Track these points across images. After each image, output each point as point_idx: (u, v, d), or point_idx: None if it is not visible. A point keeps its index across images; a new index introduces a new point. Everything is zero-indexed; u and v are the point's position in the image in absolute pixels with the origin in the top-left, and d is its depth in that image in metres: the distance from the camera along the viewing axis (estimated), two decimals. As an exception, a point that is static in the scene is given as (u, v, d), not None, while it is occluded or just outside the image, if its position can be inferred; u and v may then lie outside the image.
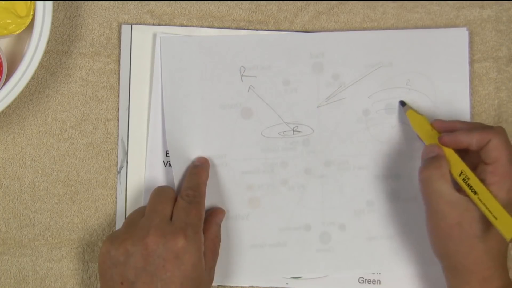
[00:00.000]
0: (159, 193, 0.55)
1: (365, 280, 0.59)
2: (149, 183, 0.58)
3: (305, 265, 0.59)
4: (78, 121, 0.59)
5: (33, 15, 0.54)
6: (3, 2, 0.54)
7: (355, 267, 0.59)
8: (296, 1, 0.60)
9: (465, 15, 0.61)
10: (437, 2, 0.61)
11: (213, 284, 0.56)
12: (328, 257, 0.59)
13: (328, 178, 0.59)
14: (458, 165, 0.52)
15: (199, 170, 0.57)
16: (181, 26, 0.59)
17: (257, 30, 0.60)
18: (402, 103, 0.59)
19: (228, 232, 0.59)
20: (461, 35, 0.60)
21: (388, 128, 0.59)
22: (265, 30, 0.60)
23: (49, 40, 0.55)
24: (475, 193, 0.50)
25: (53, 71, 0.59)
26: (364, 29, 0.60)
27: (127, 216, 0.58)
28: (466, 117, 0.60)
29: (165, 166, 0.59)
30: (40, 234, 0.59)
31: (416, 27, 0.60)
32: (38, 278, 0.58)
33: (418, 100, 0.59)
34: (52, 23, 0.54)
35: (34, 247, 0.59)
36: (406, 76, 0.59)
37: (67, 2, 0.59)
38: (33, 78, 0.57)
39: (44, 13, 0.54)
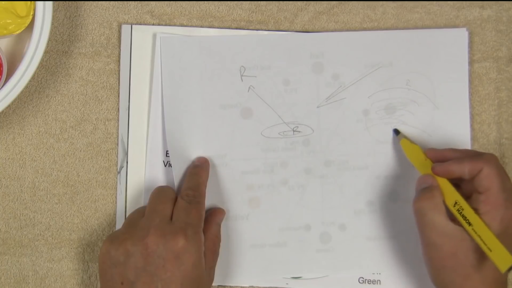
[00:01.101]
0: (159, 193, 0.55)
1: (365, 280, 0.59)
2: (149, 183, 0.58)
3: (305, 265, 0.59)
4: (78, 121, 0.59)
5: (33, 15, 0.54)
6: (3, 2, 0.54)
7: (355, 267, 0.59)
8: (296, 1, 0.60)
9: (465, 15, 0.61)
10: (437, 2, 0.61)
11: (213, 284, 0.56)
12: (328, 257, 0.59)
13: (328, 178, 0.59)
14: (452, 195, 0.52)
15: (199, 170, 0.57)
16: (181, 26, 0.59)
17: (257, 30, 0.60)
18: (396, 132, 0.58)
19: (228, 232, 0.59)
20: (461, 35, 0.60)
21: (388, 128, 0.59)
22: (265, 30, 0.60)
23: (49, 40, 0.55)
24: (469, 224, 0.50)
25: (53, 71, 0.59)
26: (364, 29, 0.60)
27: (127, 216, 0.58)
28: (466, 117, 0.60)
29: (165, 166, 0.59)
30: (40, 234, 0.59)
31: (416, 27, 0.60)
32: (38, 278, 0.58)
33: (418, 100, 0.59)
34: (52, 23, 0.54)
35: (34, 247, 0.59)
36: (406, 76, 0.59)
37: (67, 2, 0.59)
38: (33, 78, 0.57)
39: (44, 13, 0.54)
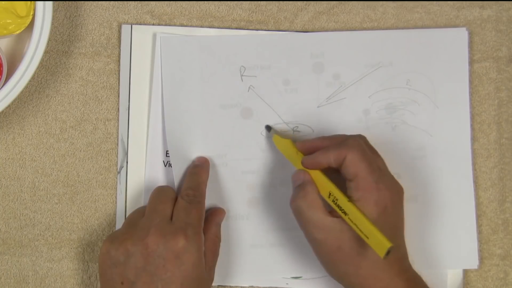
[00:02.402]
0: (159, 193, 0.55)
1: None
2: (149, 183, 0.58)
3: (305, 265, 0.59)
4: (78, 121, 0.59)
5: (33, 15, 0.54)
6: (3, 2, 0.54)
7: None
8: (296, 1, 0.60)
9: (465, 15, 0.61)
10: (437, 2, 0.61)
11: (213, 284, 0.56)
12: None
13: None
14: (326, 186, 0.51)
15: (199, 170, 0.57)
16: (181, 26, 0.59)
17: (257, 30, 0.60)
18: (268, 128, 0.58)
19: (228, 232, 0.59)
20: (461, 35, 0.60)
21: (388, 128, 0.59)
22: (265, 30, 0.60)
23: (49, 40, 0.55)
24: (345, 213, 0.49)
25: (53, 71, 0.59)
26: (364, 29, 0.60)
27: (127, 216, 0.58)
28: (466, 116, 0.60)
29: (165, 166, 0.59)
30: (40, 234, 0.59)
31: (416, 27, 0.60)
32: (38, 278, 0.58)
33: (418, 100, 0.59)
34: (52, 23, 0.54)
35: (34, 247, 0.59)
36: (406, 76, 0.59)
37: (67, 2, 0.59)
38: (33, 78, 0.57)
39: (44, 13, 0.54)
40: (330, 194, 0.51)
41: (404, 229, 0.53)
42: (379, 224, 0.48)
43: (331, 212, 0.51)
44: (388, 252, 0.47)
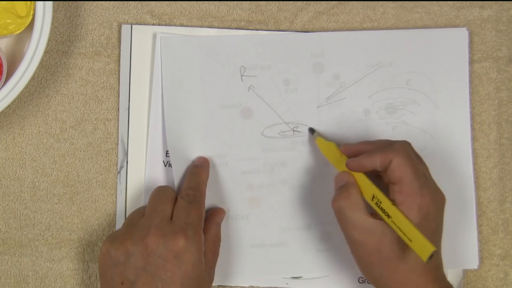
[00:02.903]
0: (159, 193, 0.55)
1: (365, 280, 0.59)
2: (149, 183, 0.58)
3: (305, 265, 0.59)
4: (78, 121, 0.59)
5: (33, 15, 0.54)
6: (3, 2, 0.54)
7: (355, 267, 0.59)
8: (296, 1, 0.60)
9: (465, 15, 0.61)
10: (437, 2, 0.61)
11: (213, 284, 0.56)
12: (328, 257, 0.59)
13: (328, 178, 0.59)
14: (369, 189, 0.51)
15: (199, 170, 0.57)
16: (181, 26, 0.59)
17: (257, 30, 0.60)
18: (311, 131, 0.58)
19: (228, 232, 0.59)
20: (461, 35, 0.60)
21: (388, 128, 0.59)
22: (265, 30, 0.60)
23: (49, 40, 0.55)
24: (388, 216, 0.49)
25: (53, 71, 0.59)
26: (364, 29, 0.60)
27: (127, 216, 0.58)
28: (466, 116, 0.60)
29: (165, 166, 0.59)
30: (40, 234, 0.59)
31: (416, 27, 0.60)
32: (38, 278, 0.58)
33: (418, 100, 0.59)
34: (52, 23, 0.54)
35: (34, 247, 0.59)
36: (406, 76, 0.59)
37: (67, 2, 0.59)
38: (33, 78, 0.57)
39: (44, 13, 0.53)
40: (373, 196, 0.51)
41: (442, 237, 0.53)
42: (420, 229, 0.48)
43: (373, 214, 0.51)
44: (431, 256, 0.47)
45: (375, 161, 0.51)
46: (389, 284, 0.51)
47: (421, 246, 0.47)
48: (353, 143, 0.55)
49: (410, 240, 0.48)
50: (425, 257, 0.47)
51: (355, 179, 0.52)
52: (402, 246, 0.49)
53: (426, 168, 0.53)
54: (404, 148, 0.51)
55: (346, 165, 0.53)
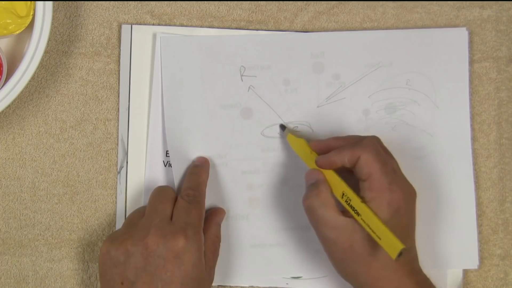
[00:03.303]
0: (159, 193, 0.55)
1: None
2: (149, 183, 0.58)
3: (305, 265, 0.59)
4: (78, 121, 0.59)
5: (33, 15, 0.54)
6: (3, 2, 0.54)
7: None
8: (296, 1, 0.60)
9: (465, 15, 0.61)
10: (437, 2, 0.61)
11: (213, 284, 0.56)
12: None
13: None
14: (339, 186, 0.51)
15: (199, 170, 0.57)
16: (181, 26, 0.59)
17: (257, 30, 0.60)
18: (282, 127, 0.58)
19: (228, 232, 0.59)
20: (461, 35, 0.60)
21: (388, 128, 0.59)
22: (265, 30, 0.60)
23: (49, 40, 0.55)
24: (358, 214, 0.49)
25: (53, 71, 0.59)
26: (364, 29, 0.60)
27: (127, 216, 0.58)
28: (466, 116, 0.60)
29: (165, 166, 0.59)
30: (40, 234, 0.59)
31: (416, 27, 0.60)
32: (38, 278, 0.58)
33: (418, 100, 0.59)
34: (52, 23, 0.54)
35: (34, 247, 0.59)
36: (406, 76, 0.59)
37: (67, 2, 0.59)
38: (33, 78, 0.57)
39: (44, 13, 0.54)
40: (343, 194, 0.51)
41: (415, 231, 0.53)
42: (391, 225, 0.48)
43: (344, 212, 0.51)
44: (400, 254, 0.47)
45: (344, 158, 0.51)
46: (364, 281, 0.51)
47: (390, 244, 0.47)
48: (324, 139, 0.54)
49: (380, 238, 0.48)
50: (394, 254, 0.47)
51: (325, 176, 0.52)
52: (374, 243, 0.49)
53: (396, 163, 0.52)
54: (372, 144, 0.51)
55: (316, 163, 0.52)
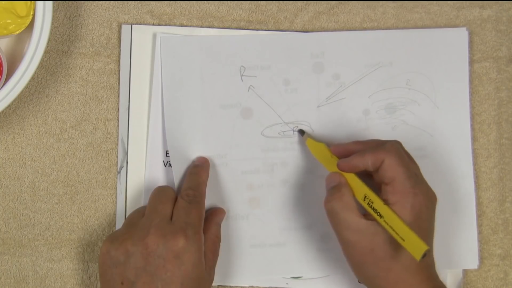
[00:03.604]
0: (159, 193, 0.55)
1: (365, 280, 0.59)
2: (149, 183, 0.58)
3: (305, 265, 0.59)
4: (78, 121, 0.59)
5: (33, 15, 0.54)
6: (3, 2, 0.54)
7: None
8: (296, 1, 0.60)
9: (465, 15, 0.61)
10: (437, 2, 0.61)
11: (213, 284, 0.56)
12: (328, 256, 0.59)
13: (328, 178, 0.59)
14: (361, 189, 0.51)
15: (199, 170, 0.57)
16: (181, 26, 0.59)
17: (257, 30, 0.60)
18: (301, 132, 0.58)
19: (228, 232, 0.59)
20: (461, 35, 0.60)
21: (388, 128, 0.59)
22: (265, 30, 0.60)
23: (49, 40, 0.55)
24: (380, 216, 0.49)
25: (53, 71, 0.59)
26: (364, 29, 0.60)
27: (127, 216, 0.58)
28: (466, 116, 0.60)
29: (165, 166, 0.59)
30: (40, 234, 0.59)
31: (416, 27, 0.60)
32: (38, 278, 0.58)
33: (418, 100, 0.59)
34: (52, 23, 0.54)
35: (34, 247, 0.59)
36: (406, 76, 0.59)
37: (67, 2, 0.59)
38: (33, 78, 0.57)
39: (44, 13, 0.54)
40: (365, 197, 0.51)
41: (434, 236, 0.53)
42: (413, 228, 0.48)
43: (365, 215, 0.51)
44: (424, 255, 0.47)
45: (367, 162, 0.51)
46: (382, 284, 0.51)
47: (414, 245, 0.47)
48: (344, 143, 0.55)
49: (403, 240, 0.48)
50: (418, 256, 0.47)
51: (346, 179, 0.52)
52: (395, 246, 0.49)
53: (418, 168, 0.53)
54: (395, 148, 0.51)
55: (337, 166, 0.52)
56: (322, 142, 0.56)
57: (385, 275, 0.50)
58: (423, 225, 0.50)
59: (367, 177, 0.52)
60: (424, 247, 0.47)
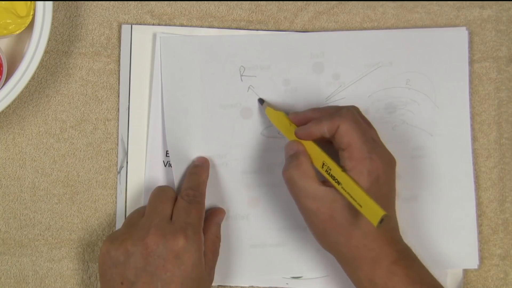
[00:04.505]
0: (159, 193, 0.55)
1: (365, 280, 0.59)
2: (149, 183, 0.58)
3: (305, 265, 0.59)
4: (78, 121, 0.59)
5: (33, 15, 0.54)
6: (3, 2, 0.54)
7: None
8: (296, 1, 0.60)
9: (465, 15, 0.61)
10: (437, 2, 0.61)
11: (213, 284, 0.56)
12: (328, 257, 0.59)
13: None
14: (319, 156, 0.51)
15: (199, 170, 0.57)
16: (181, 26, 0.59)
17: (257, 30, 0.60)
18: (261, 101, 0.58)
19: (228, 232, 0.59)
20: (461, 35, 0.60)
21: (388, 128, 0.59)
22: (265, 30, 0.60)
23: (49, 40, 0.55)
24: (338, 183, 0.49)
25: (53, 71, 0.59)
26: (364, 29, 0.60)
27: (127, 216, 0.58)
28: (466, 117, 0.60)
29: (165, 166, 0.59)
30: (40, 234, 0.59)
31: (416, 27, 0.60)
32: (38, 278, 0.58)
33: (418, 99, 0.59)
34: (52, 23, 0.54)
35: (34, 247, 0.59)
36: (406, 76, 0.59)
37: (67, 2, 0.59)
38: (33, 78, 0.57)
39: (44, 13, 0.54)
40: (323, 164, 0.51)
41: (395, 200, 0.53)
42: (371, 194, 0.48)
43: (324, 182, 0.51)
44: (381, 221, 0.47)
45: (323, 128, 0.51)
46: (345, 250, 0.51)
47: (371, 211, 0.47)
48: (302, 111, 0.54)
49: (360, 206, 0.48)
50: (375, 221, 0.47)
51: (304, 147, 0.52)
52: (354, 212, 0.49)
53: (375, 133, 0.52)
54: (351, 114, 0.51)
55: (295, 134, 0.53)
56: (282, 111, 0.56)
57: (346, 241, 0.50)
58: (382, 190, 0.50)
59: (328, 144, 0.52)
60: (381, 213, 0.47)
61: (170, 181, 0.58)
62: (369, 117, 0.59)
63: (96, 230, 0.59)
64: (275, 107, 0.57)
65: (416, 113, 0.59)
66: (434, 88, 0.60)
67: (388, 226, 0.51)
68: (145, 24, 0.59)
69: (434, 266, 0.58)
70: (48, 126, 0.59)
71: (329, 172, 0.50)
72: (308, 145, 0.52)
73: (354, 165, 0.49)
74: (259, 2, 0.60)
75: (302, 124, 0.53)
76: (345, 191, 0.49)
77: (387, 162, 0.51)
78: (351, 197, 0.48)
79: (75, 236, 0.59)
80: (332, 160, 0.50)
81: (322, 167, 0.51)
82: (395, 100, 0.59)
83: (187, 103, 0.58)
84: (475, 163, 0.60)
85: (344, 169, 0.50)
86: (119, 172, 0.59)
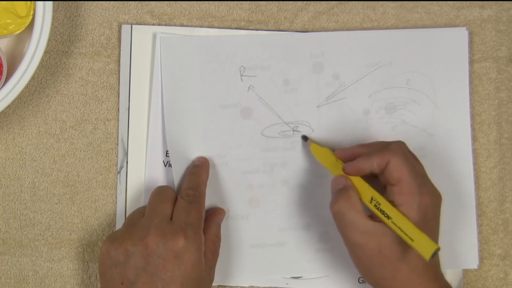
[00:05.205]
0: (159, 193, 0.55)
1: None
2: (149, 183, 0.58)
3: (305, 265, 0.59)
4: (78, 121, 0.59)
5: (33, 15, 0.54)
6: (3, 2, 0.54)
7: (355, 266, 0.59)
8: (296, 1, 0.60)
9: (465, 15, 0.61)
10: (437, 2, 0.61)
11: (213, 284, 0.56)
12: (328, 256, 0.59)
13: (328, 178, 0.59)
14: (367, 191, 0.51)
15: (199, 170, 0.57)
16: (181, 26, 0.59)
17: (257, 30, 0.60)
18: (304, 138, 0.58)
19: (228, 232, 0.59)
20: (461, 35, 0.60)
21: (388, 128, 0.59)
22: (265, 30, 0.60)
23: (49, 40, 0.55)
24: (388, 217, 0.49)
25: (53, 71, 0.59)
26: (364, 29, 0.60)
27: (127, 216, 0.58)
28: (466, 116, 0.60)
29: (165, 166, 0.59)
30: (40, 234, 0.59)
31: (416, 27, 0.60)
32: (38, 278, 0.58)
33: (418, 99, 0.59)
34: (52, 23, 0.54)
35: (34, 247, 0.59)
36: (406, 76, 0.59)
37: (67, 2, 0.59)
38: (33, 78, 0.57)
39: (44, 13, 0.54)
40: (372, 199, 0.51)
41: (439, 236, 0.53)
42: (421, 228, 0.48)
43: (371, 217, 0.51)
44: (433, 254, 0.47)
45: (373, 164, 0.51)
46: (390, 285, 0.51)
47: (424, 245, 0.48)
48: (348, 147, 0.55)
49: (412, 240, 0.48)
50: (428, 255, 0.47)
51: (352, 182, 0.52)
52: (402, 247, 0.50)
53: (423, 168, 0.53)
54: (401, 149, 0.51)
55: (343, 170, 0.53)
56: (324, 144, 0.56)
57: (393, 276, 0.50)
58: (430, 224, 0.50)
59: (371, 179, 0.52)
60: (433, 246, 0.47)
61: (170, 181, 0.58)
62: (369, 117, 0.59)
63: (96, 230, 0.59)
64: (320, 144, 0.57)
65: (416, 113, 0.59)
66: (434, 88, 0.60)
67: (434, 262, 0.51)
68: (145, 24, 0.59)
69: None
70: (48, 126, 0.59)
71: (378, 207, 0.50)
72: (355, 180, 0.52)
73: (404, 200, 0.50)
74: (259, 2, 0.60)
75: (349, 160, 0.53)
76: (395, 225, 0.49)
77: (435, 197, 0.51)
78: (402, 231, 0.48)
79: (75, 236, 0.59)
80: (381, 195, 0.51)
81: (371, 202, 0.51)
82: (395, 100, 0.59)
83: (187, 103, 0.58)
84: (475, 163, 0.60)
85: (393, 204, 0.50)
86: (119, 172, 0.59)
